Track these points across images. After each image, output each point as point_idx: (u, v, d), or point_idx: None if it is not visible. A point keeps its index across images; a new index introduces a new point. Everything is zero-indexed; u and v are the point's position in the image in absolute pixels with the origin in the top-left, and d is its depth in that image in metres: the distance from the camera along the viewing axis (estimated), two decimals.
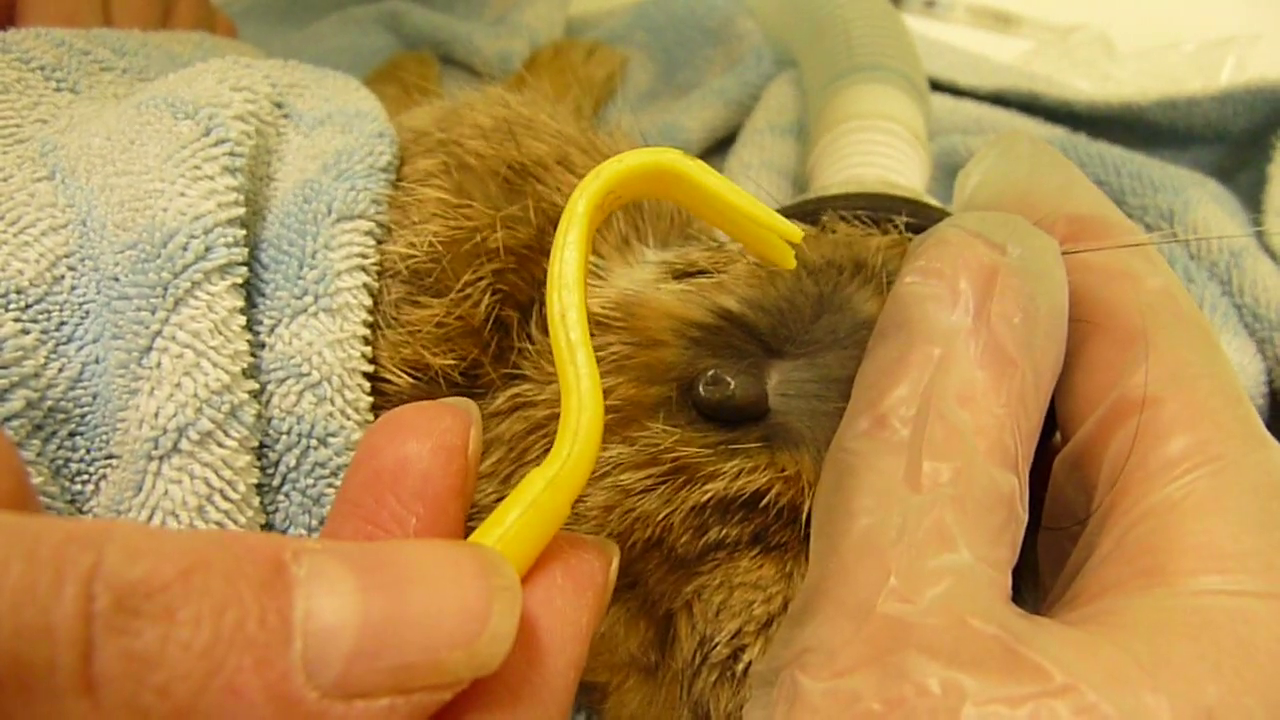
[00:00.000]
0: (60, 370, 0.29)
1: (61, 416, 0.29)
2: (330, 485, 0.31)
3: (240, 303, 0.30)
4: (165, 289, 0.28)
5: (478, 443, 0.22)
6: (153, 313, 0.28)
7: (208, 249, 0.29)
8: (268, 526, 0.31)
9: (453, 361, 0.33)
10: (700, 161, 0.23)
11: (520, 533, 0.20)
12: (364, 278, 0.32)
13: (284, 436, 0.30)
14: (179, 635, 0.15)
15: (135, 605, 0.15)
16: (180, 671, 0.15)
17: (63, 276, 0.30)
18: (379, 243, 0.33)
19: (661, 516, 0.28)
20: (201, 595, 0.16)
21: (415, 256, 0.33)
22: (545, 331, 0.33)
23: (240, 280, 0.30)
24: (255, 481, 0.30)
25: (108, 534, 0.16)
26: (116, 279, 0.29)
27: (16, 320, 0.29)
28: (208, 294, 0.29)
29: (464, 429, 0.22)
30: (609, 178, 0.23)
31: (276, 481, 0.30)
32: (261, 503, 0.30)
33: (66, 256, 0.30)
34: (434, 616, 0.17)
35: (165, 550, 0.16)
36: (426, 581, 0.18)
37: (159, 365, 0.28)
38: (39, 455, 0.29)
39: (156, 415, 0.28)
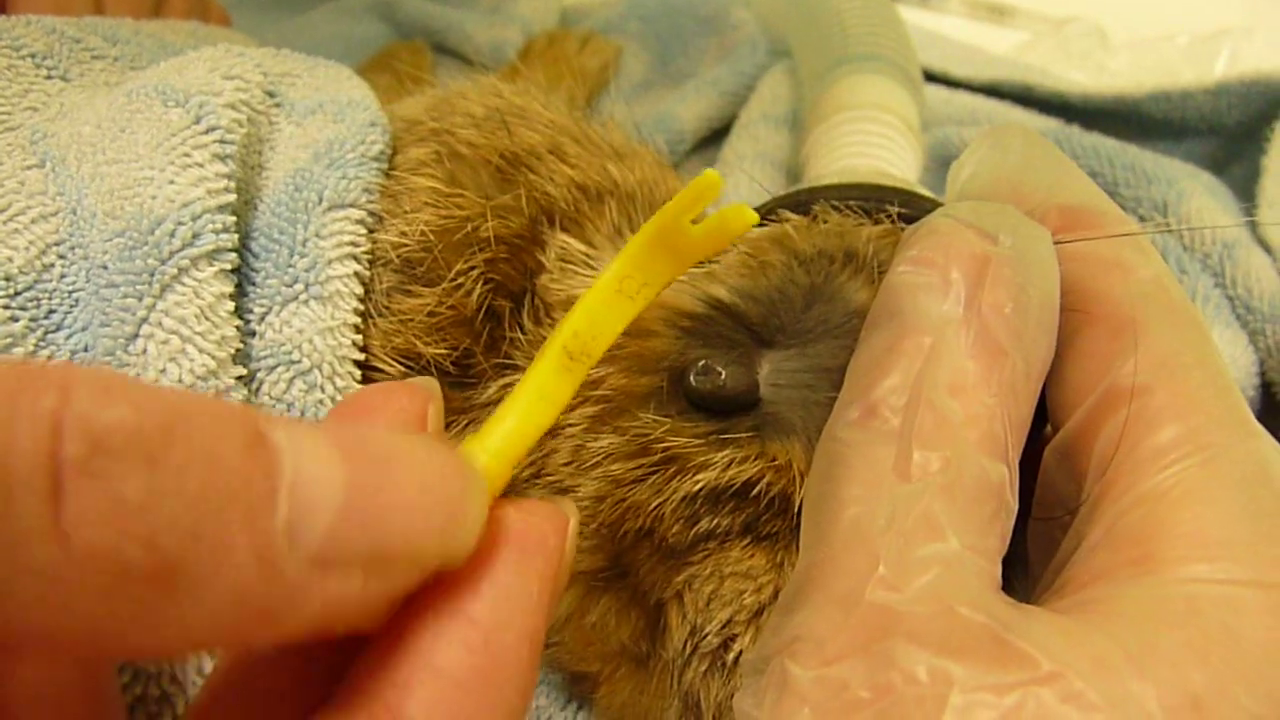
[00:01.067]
0: (49, 358, 0.29)
1: None
2: None
3: (228, 288, 0.30)
4: (152, 275, 0.28)
5: (437, 418, 0.22)
6: (139, 299, 0.28)
7: (195, 235, 0.29)
8: None
9: (444, 351, 0.33)
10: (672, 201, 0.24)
11: None
12: (355, 266, 0.32)
13: None
14: (166, 483, 0.14)
15: (115, 447, 0.14)
16: (167, 522, 0.14)
17: (52, 264, 0.30)
18: (370, 231, 0.33)
19: (652, 506, 0.28)
20: (186, 445, 0.14)
21: (407, 245, 0.33)
22: (536, 322, 0.33)
23: (229, 266, 0.30)
24: None
25: (72, 374, 0.14)
26: (105, 267, 0.29)
27: (5, 308, 0.29)
28: (195, 280, 0.29)
29: (421, 406, 0.21)
30: (624, 257, 0.23)
31: None
32: None
33: (56, 244, 0.30)
34: (416, 500, 0.17)
35: (138, 398, 0.14)
36: (410, 466, 0.17)
37: (145, 352, 0.28)
38: None
39: None
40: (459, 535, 0.18)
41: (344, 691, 0.18)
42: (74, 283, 0.30)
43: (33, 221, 0.30)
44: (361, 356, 0.32)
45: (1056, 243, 0.26)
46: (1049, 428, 0.26)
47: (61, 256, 0.30)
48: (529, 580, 0.19)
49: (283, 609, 0.15)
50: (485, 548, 0.19)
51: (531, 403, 0.22)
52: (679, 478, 0.28)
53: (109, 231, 0.29)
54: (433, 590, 0.19)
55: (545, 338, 0.32)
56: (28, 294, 0.29)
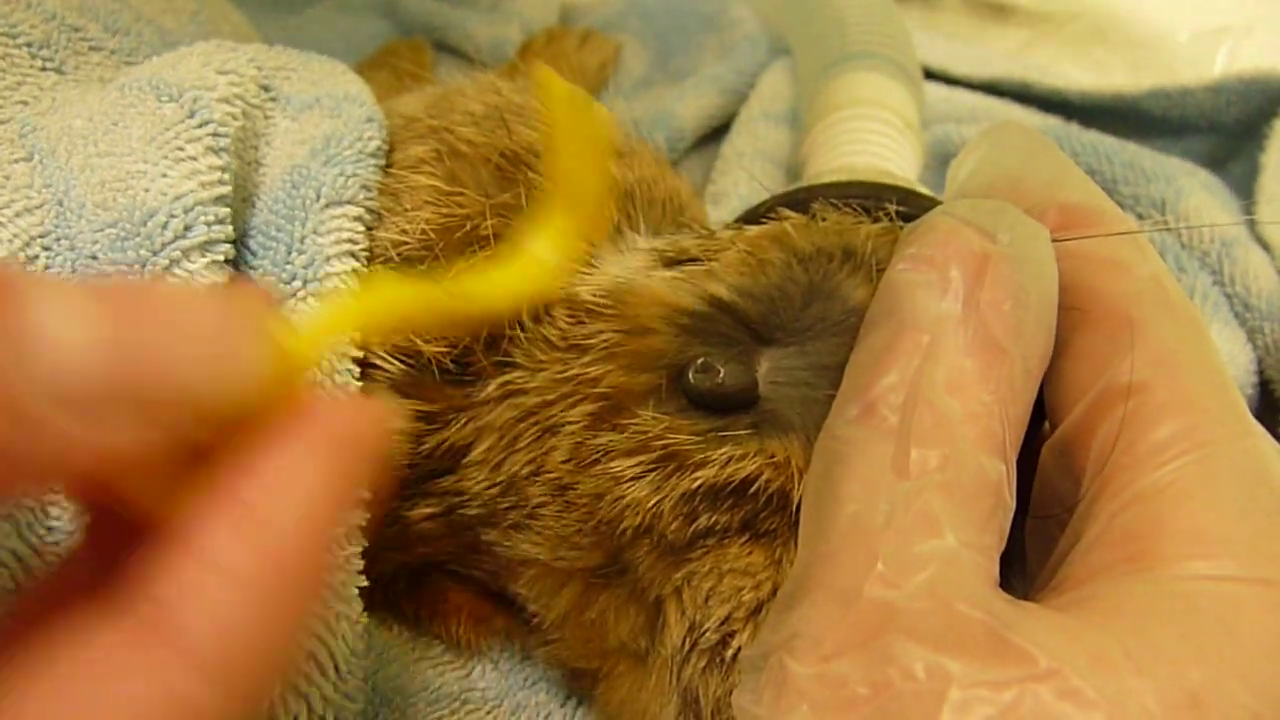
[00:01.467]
0: None
1: None
2: None
3: (221, 279, 0.29)
4: (144, 266, 0.28)
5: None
6: None
7: (187, 227, 0.29)
8: None
9: (444, 348, 0.33)
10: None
11: None
12: (353, 263, 0.32)
13: None
14: None
15: None
16: None
17: (37, 256, 0.30)
18: (368, 229, 0.33)
19: (651, 504, 0.28)
20: None
21: (407, 243, 0.33)
22: (536, 319, 0.33)
23: (222, 258, 0.30)
24: None
25: None
26: (95, 257, 0.29)
27: None
28: (186, 271, 0.29)
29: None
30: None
31: None
32: None
33: (41, 237, 0.30)
34: (177, 337, 0.16)
35: None
36: (170, 305, 0.17)
37: None
38: None
39: None
40: (233, 373, 0.17)
41: (112, 584, 0.16)
42: (59, 274, 0.30)
43: (17, 215, 0.30)
44: (360, 354, 0.32)
45: (1055, 241, 0.26)
46: (1047, 425, 0.26)
47: (46, 249, 0.30)
48: (318, 469, 0.17)
49: (40, 457, 0.15)
50: (273, 431, 0.18)
51: (359, 295, 0.20)
52: (678, 475, 0.28)
53: (100, 223, 0.29)
54: (208, 473, 0.17)
55: (545, 335, 0.32)
56: None
